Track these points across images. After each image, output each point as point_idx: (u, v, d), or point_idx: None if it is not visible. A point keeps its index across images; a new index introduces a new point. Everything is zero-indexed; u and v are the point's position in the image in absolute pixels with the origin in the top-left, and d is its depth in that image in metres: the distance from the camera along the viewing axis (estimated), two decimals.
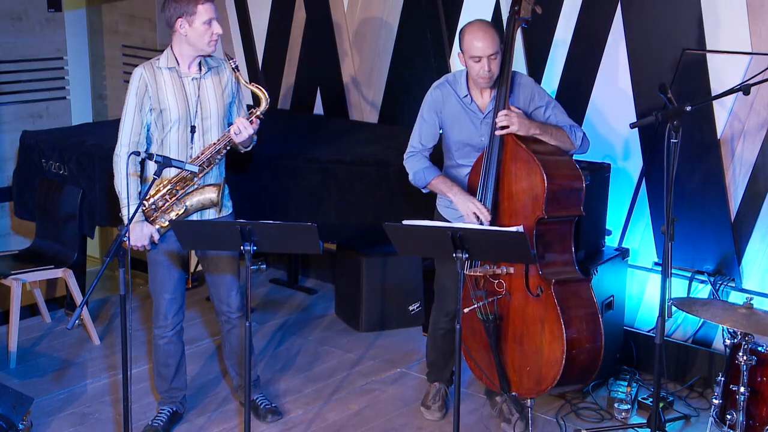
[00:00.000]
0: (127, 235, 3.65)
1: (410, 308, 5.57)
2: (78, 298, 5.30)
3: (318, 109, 6.24)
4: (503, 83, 4.04)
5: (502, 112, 4.00)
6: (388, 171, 4.94)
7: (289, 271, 6.30)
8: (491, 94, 4.13)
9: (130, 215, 3.83)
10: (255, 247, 3.67)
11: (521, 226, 3.64)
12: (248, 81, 4.17)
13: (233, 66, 4.12)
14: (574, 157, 4.16)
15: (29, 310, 5.71)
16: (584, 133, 4.17)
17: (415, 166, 4.23)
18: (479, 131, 4.14)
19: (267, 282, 6.37)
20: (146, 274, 5.16)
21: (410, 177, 4.26)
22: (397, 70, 5.81)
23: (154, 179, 3.81)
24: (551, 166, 3.97)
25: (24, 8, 6.30)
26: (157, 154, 3.82)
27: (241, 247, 3.67)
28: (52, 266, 5.28)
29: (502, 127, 4.00)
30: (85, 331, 5.38)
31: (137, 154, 3.86)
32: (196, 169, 3.98)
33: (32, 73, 6.40)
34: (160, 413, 4.41)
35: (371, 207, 4.95)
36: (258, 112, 4.16)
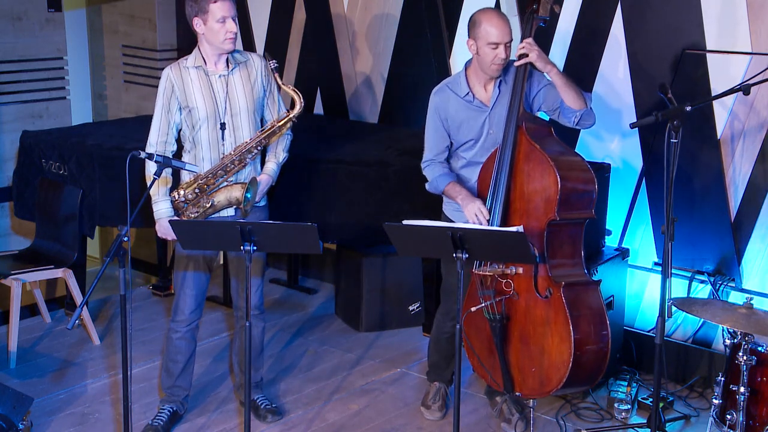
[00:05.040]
0: (127, 235, 3.66)
1: (410, 308, 5.57)
2: (78, 298, 5.30)
3: (318, 109, 6.24)
4: (519, 80, 4.03)
5: (525, 41, 3.98)
6: (388, 171, 4.94)
7: (289, 271, 6.30)
8: (493, 86, 4.13)
9: (132, 214, 3.83)
10: (255, 247, 3.68)
11: (521, 226, 3.64)
12: (284, 83, 4.21)
13: (272, 67, 4.16)
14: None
15: (29, 310, 5.70)
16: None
17: (430, 175, 4.25)
18: (487, 126, 4.14)
19: (267, 282, 6.36)
20: (146, 274, 5.19)
21: (426, 186, 4.29)
22: (397, 70, 5.81)
23: (155, 179, 3.82)
24: (565, 167, 3.95)
25: (24, 8, 6.29)
26: (157, 154, 3.84)
27: (241, 247, 3.67)
28: (52, 266, 5.27)
29: (522, 56, 3.98)
30: (85, 331, 5.38)
31: (137, 154, 3.86)
32: (196, 169, 4.01)
33: (32, 73, 6.39)
34: (161, 412, 4.41)
35: (371, 207, 4.95)
36: (291, 115, 4.21)
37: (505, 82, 4.13)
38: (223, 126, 4.16)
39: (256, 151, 4.21)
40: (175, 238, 4.17)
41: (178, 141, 4.27)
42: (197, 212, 4.19)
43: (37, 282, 5.47)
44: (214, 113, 4.14)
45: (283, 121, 4.24)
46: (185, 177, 4.23)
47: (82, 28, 7.38)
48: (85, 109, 7.42)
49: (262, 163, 4.35)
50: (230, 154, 4.16)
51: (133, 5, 6.91)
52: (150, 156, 3.80)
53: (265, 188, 4.31)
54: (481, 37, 4.01)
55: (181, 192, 4.19)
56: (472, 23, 4.05)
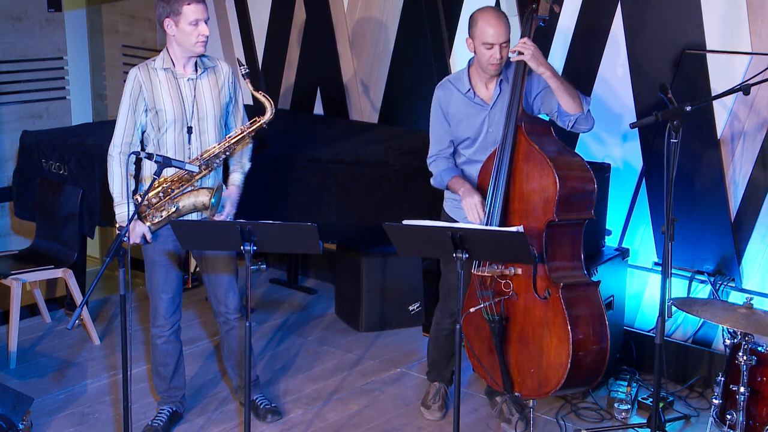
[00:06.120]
0: (127, 235, 3.66)
1: (410, 308, 5.57)
2: (78, 298, 5.30)
3: (318, 109, 6.24)
4: (518, 80, 4.02)
5: (521, 40, 3.95)
6: (388, 171, 4.94)
7: (289, 271, 6.30)
8: (495, 85, 4.13)
9: (130, 215, 3.83)
10: (255, 247, 3.67)
11: (521, 226, 3.64)
12: (256, 89, 4.17)
13: (243, 72, 4.12)
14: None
15: (29, 310, 5.70)
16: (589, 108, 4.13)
17: (435, 170, 4.26)
18: (487, 124, 4.14)
19: (267, 282, 6.36)
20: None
21: (431, 181, 4.29)
22: (397, 70, 5.81)
23: (154, 179, 3.81)
24: (564, 168, 3.94)
25: (24, 8, 6.30)
26: (157, 154, 3.83)
27: (241, 247, 3.67)
28: (52, 266, 5.27)
29: (519, 54, 3.96)
30: (85, 331, 5.38)
31: (137, 154, 3.86)
32: (196, 169, 3.99)
33: (32, 73, 6.40)
34: (160, 413, 4.41)
35: (371, 207, 4.95)
36: (262, 122, 4.17)
37: (507, 81, 4.13)
38: (189, 130, 4.11)
39: (223, 156, 4.19)
40: (137, 241, 4.13)
41: (141, 143, 4.21)
42: (161, 217, 4.12)
43: (37, 282, 5.47)
44: (182, 116, 4.09)
45: (253, 128, 4.18)
46: (147, 180, 4.16)
47: (82, 28, 7.39)
48: (85, 109, 7.43)
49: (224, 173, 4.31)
50: (197, 158, 4.12)
51: (133, 5, 6.92)
52: (150, 156, 3.80)
53: (237, 198, 4.28)
54: (477, 37, 4.02)
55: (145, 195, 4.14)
56: (471, 21, 4.05)
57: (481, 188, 4.11)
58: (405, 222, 3.64)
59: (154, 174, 3.82)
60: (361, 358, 5.20)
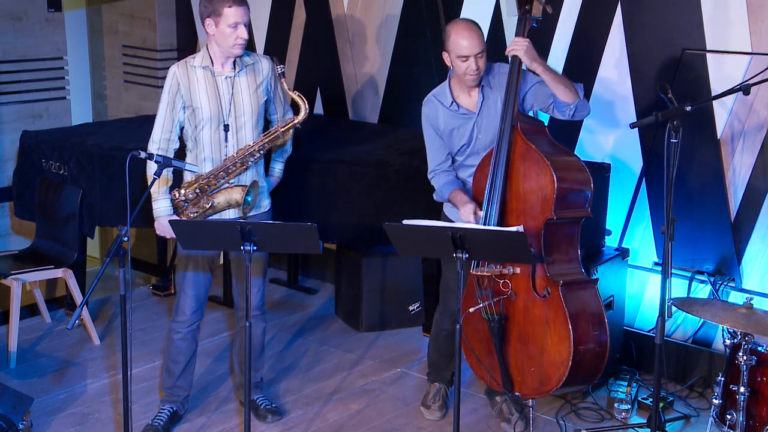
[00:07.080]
0: (127, 235, 3.66)
1: (410, 308, 5.57)
2: (78, 298, 5.30)
3: (318, 109, 6.24)
4: (513, 80, 4.02)
5: (514, 39, 3.96)
6: (388, 171, 4.94)
7: (289, 271, 6.30)
8: (477, 92, 4.13)
9: (132, 214, 3.84)
10: (255, 247, 3.68)
11: (521, 226, 3.64)
12: (291, 88, 4.24)
13: (279, 72, 4.18)
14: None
15: (29, 310, 5.70)
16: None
17: (437, 184, 4.28)
18: (476, 131, 4.15)
19: (267, 282, 6.35)
20: (146, 274, 5.14)
21: (434, 195, 4.31)
22: (397, 70, 5.81)
23: (154, 179, 3.83)
24: (561, 167, 3.95)
25: (24, 8, 6.29)
26: (157, 154, 3.84)
27: (241, 247, 3.67)
28: (52, 266, 5.27)
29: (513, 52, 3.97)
30: (85, 331, 5.38)
31: (137, 154, 3.86)
32: (196, 169, 4.02)
33: (32, 73, 6.39)
34: (161, 412, 4.41)
35: (371, 207, 4.95)
36: (296, 121, 4.24)
37: (489, 86, 4.14)
38: (226, 127, 4.16)
39: (258, 154, 4.22)
40: (173, 236, 4.18)
41: (181, 139, 4.27)
42: (197, 212, 4.20)
43: (37, 282, 5.47)
44: (218, 114, 4.14)
45: (287, 127, 4.25)
46: (187, 176, 4.24)
47: (82, 28, 7.38)
48: (85, 109, 7.42)
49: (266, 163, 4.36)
50: (233, 156, 4.16)
51: (133, 5, 6.91)
52: (150, 156, 3.80)
53: (272, 187, 4.38)
54: (451, 50, 4.04)
55: (182, 191, 4.19)
56: (444, 35, 4.07)
57: (476, 190, 4.12)
58: (405, 222, 3.64)
59: (154, 174, 3.83)
60: (361, 358, 5.20)
